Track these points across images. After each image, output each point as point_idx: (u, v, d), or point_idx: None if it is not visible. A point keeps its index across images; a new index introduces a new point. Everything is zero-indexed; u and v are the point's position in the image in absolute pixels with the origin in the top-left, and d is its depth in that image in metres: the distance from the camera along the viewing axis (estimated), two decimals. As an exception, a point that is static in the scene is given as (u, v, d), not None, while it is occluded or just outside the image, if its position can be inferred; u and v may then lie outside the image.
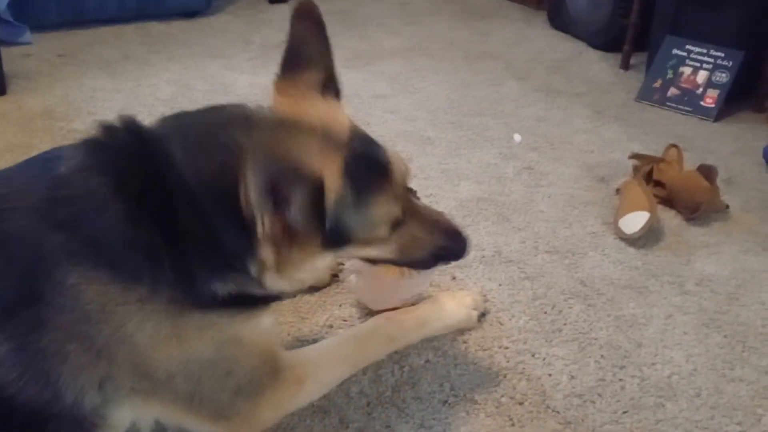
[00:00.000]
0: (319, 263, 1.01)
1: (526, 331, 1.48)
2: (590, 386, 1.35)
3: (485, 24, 3.68)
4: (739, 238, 1.86)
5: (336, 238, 0.94)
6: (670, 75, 2.75)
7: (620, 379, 1.37)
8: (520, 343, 1.45)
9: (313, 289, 1.55)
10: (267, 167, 0.80)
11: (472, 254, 1.63)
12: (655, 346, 1.46)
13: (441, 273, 1.62)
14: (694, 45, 2.72)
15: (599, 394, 1.33)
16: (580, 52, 3.29)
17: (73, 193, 0.89)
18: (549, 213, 1.94)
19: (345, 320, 1.49)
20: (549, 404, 1.30)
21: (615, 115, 2.62)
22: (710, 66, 2.68)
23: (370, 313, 1.45)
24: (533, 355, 1.42)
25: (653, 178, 2.01)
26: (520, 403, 1.30)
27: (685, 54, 2.74)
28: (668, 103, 2.71)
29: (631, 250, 1.79)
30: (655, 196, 1.92)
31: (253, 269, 0.93)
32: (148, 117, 0.99)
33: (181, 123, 0.97)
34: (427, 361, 1.39)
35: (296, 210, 0.85)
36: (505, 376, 1.36)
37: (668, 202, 1.97)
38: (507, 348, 1.43)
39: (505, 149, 2.31)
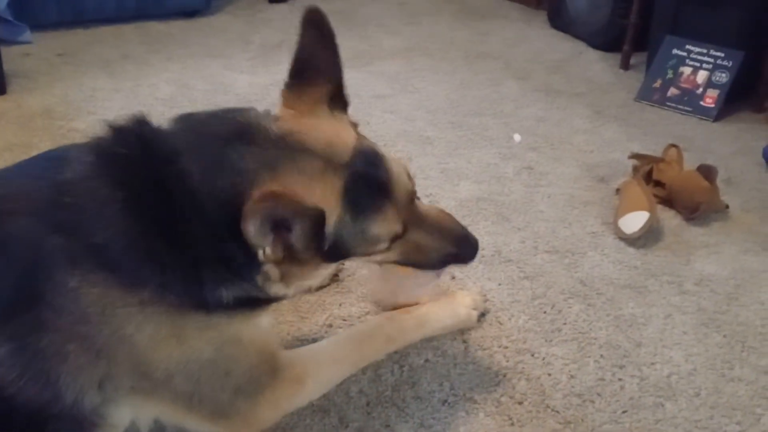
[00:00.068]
0: (320, 272, 1.04)
1: (525, 331, 1.49)
2: (590, 386, 1.35)
3: (485, 24, 3.68)
4: (738, 238, 1.86)
5: (336, 253, 0.96)
6: (669, 75, 2.75)
7: (620, 379, 1.37)
8: (519, 343, 1.45)
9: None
10: (268, 206, 0.82)
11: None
12: (654, 345, 1.46)
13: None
14: (693, 45, 2.72)
15: (599, 394, 1.33)
16: (579, 52, 3.29)
17: (79, 201, 0.89)
18: (548, 213, 1.94)
19: (344, 320, 1.49)
20: (548, 404, 1.30)
21: (615, 115, 2.62)
22: (710, 66, 2.68)
23: (381, 309, 1.45)
24: (533, 355, 1.42)
25: (653, 178, 2.01)
26: (520, 403, 1.30)
27: (684, 54, 2.74)
28: (668, 103, 2.71)
29: (631, 249, 1.79)
30: (655, 196, 1.92)
31: (258, 279, 0.95)
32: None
33: (194, 133, 0.95)
34: (427, 360, 1.39)
35: (296, 237, 0.87)
36: (504, 376, 1.36)
37: (668, 202, 1.97)
38: (506, 347, 1.43)
39: (504, 149, 2.31)
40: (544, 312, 1.55)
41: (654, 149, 2.18)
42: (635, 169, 2.10)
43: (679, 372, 1.40)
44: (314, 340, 1.34)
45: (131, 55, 3.00)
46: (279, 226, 0.85)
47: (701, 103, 2.66)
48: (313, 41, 0.99)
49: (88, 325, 0.88)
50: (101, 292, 0.88)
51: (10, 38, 2.95)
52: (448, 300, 1.44)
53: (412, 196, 1.04)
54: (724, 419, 1.29)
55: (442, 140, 2.35)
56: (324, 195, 0.90)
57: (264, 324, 1.07)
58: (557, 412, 1.29)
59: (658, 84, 2.76)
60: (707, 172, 1.94)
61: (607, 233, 1.85)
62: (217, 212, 0.88)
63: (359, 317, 1.50)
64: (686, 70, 2.72)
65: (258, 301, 1.00)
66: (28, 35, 3.01)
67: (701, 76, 2.69)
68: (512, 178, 2.13)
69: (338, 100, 1.02)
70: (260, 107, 1.01)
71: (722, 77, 2.64)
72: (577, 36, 3.43)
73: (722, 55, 2.65)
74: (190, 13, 3.51)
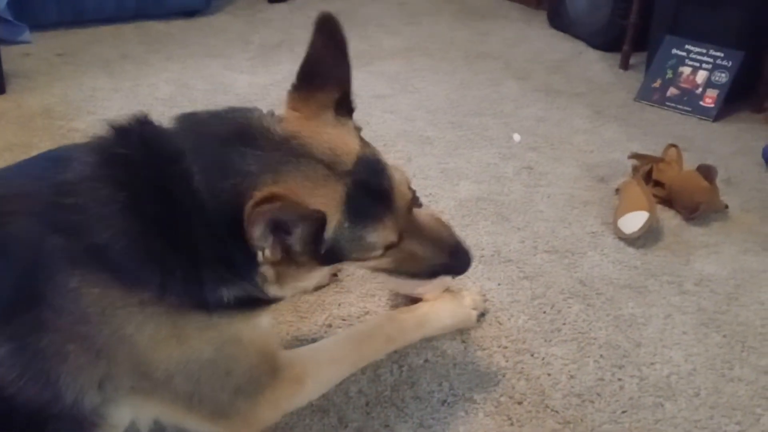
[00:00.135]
0: (317, 274, 1.05)
1: (525, 331, 1.49)
2: (589, 386, 1.35)
3: (485, 24, 3.68)
4: (738, 238, 1.87)
5: (331, 257, 0.96)
6: (669, 75, 2.75)
7: (619, 379, 1.37)
8: (519, 343, 1.45)
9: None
10: (272, 208, 0.82)
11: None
12: (654, 345, 1.46)
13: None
14: (693, 45, 2.72)
15: (598, 394, 1.33)
16: (579, 52, 3.29)
17: (79, 201, 0.89)
18: (548, 213, 1.94)
19: (344, 319, 1.49)
20: (548, 404, 1.30)
21: (614, 115, 2.63)
22: (710, 66, 2.68)
23: (399, 300, 1.45)
24: (532, 355, 1.42)
25: (653, 178, 2.01)
26: (519, 403, 1.30)
27: (684, 54, 2.74)
28: (668, 103, 2.71)
29: (631, 249, 1.79)
30: (655, 196, 1.92)
31: (257, 280, 0.95)
32: (147, 116, 0.99)
33: (196, 134, 0.95)
34: (426, 360, 1.39)
35: (296, 240, 0.88)
36: (504, 376, 1.36)
37: (667, 202, 1.97)
38: (506, 347, 1.43)
39: (504, 149, 2.31)
40: (544, 312, 1.55)
41: (654, 149, 2.18)
42: (635, 169, 2.10)
43: (678, 372, 1.40)
44: (314, 340, 1.34)
45: (131, 54, 3.01)
46: (279, 228, 0.86)
47: (701, 103, 2.66)
48: (325, 47, 0.98)
49: (88, 325, 0.88)
50: (101, 293, 0.88)
51: (9, 38, 2.95)
52: (447, 300, 1.44)
53: (411, 205, 1.05)
54: (724, 419, 1.29)
55: (442, 140, 2.35)
56: (325, 200, 0.91)
57: (264, 324, 1.07)
58: (557, 412, 1.29)
59: (657, 84, 2.76)
60: (707, 172, 1.94)
61: (606, 233, 1.85)
62: (219, 213, 0.88)
63: (359, 317, 1.50)
64: (686, 70, 2.72)
65: (258, 302, 1.01)
66: (27, 35, 3.01)
67: (701, 76, 2.69)
68: (512, 178, 2.13)
69: (344, 106, 1.01)
70: (260, 107, 1.01)
71: (722, 77, 2.64)
72: (577, 36, 3.43)
73: (722, 55, 2.65)
74: (189, 13, 3.51)
